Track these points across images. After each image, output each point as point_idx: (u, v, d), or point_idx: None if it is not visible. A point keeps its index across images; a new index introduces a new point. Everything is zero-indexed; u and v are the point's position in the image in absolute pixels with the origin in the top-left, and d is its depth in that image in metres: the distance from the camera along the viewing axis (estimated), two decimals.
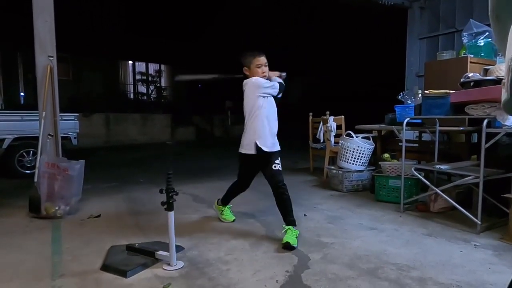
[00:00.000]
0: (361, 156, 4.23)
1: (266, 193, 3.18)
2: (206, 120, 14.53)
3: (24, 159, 5.52)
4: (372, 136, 4.53)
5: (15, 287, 2.01)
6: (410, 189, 3.60)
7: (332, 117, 5.07)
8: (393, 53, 8.23)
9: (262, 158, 2.71)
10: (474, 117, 3.00)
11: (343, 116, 5.15)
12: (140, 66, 15.66)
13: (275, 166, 2.70)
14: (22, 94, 12.18)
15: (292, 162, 6.66)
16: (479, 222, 2.77)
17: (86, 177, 3.55)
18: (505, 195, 2.69)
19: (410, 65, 6.41)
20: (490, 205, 3.08)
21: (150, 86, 16.05)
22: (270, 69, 2.84)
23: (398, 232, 2.86)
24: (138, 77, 15.59)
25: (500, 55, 3.70)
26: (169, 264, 2.22)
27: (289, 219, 2.63)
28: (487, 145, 2.71)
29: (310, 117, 5.74)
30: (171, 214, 2.23)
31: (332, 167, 4.51)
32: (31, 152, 5.50)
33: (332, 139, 5.05)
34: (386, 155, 4.15)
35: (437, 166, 3.15)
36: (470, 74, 3.23)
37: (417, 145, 4.57)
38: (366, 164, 4.32)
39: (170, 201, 2.22)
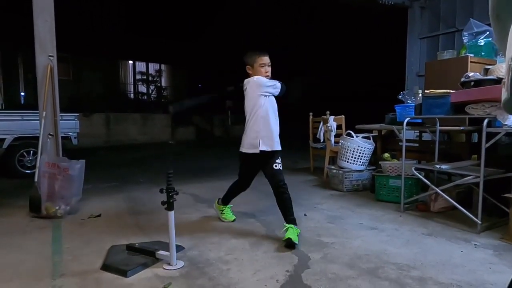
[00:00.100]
0: (362, 156, 4.23)
1: (267, 192, 3.19)
2: (206, 120, 14.52)
3: (25, 159, 5.53)
4: (372, 136, 4.53)
5: (15, 287, 2.01)
6: (410, 189, 3.61)
7: (332, 117, 5.07)
8: (393, 53, 8.22)
9: (263, 157, 2.70)
10: (475, 117, 3.00)
11: (343, 116, 5.16)
12: (140, 66, 15.66)
13: (275, 166, 2.70)
14: (22, 94, 12.19)
15: (292, 162, 6.66)
16: (479, 222, 2.77)
17: (87, 177, 3.55)
18: (505, 195, 2.69)
19: (410, 64, 6.40)
20: (491, 204, 3.07)
21: (150, 86, 16.06)
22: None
23: (399, 231, 2.86)
24: (138, 77, 15.59)
25: (500, 55, 3.69)
26: (169, 264, 2.22)
27: (290, 218, 2.63)
28: (487, 145, 2.71)
29: (310, 117, 5.74)
30: (172, 213, 2.24)
31: (333, 167, 4.51)
32: (32, 151, 5.51)
33: (332, 139, 5.05)
34: (387, 154, 4.15)
35: (438, 166, 3.15)
36: (471, 74, 3.22)
37: (417, 144, 4.56)
38: (366, 164, 4.32)
39: (171, 200, 2.22)
